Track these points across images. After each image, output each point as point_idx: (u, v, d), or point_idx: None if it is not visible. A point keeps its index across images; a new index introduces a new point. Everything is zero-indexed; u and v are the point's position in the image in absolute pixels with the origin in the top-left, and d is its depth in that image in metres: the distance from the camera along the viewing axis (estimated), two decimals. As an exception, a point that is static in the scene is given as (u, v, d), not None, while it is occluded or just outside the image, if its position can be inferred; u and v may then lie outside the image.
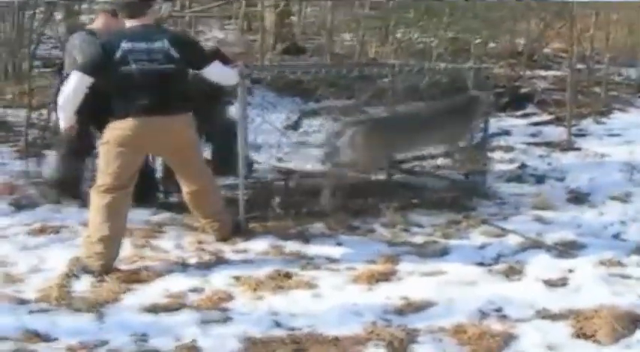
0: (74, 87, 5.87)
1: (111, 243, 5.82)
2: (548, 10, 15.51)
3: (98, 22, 7.41)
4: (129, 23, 6.06)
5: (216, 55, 7.41)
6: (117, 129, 5.87)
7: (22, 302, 5.19)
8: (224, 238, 6.51)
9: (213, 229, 6.53)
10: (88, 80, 5.86)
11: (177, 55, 5.93)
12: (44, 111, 9.72)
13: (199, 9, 14.89)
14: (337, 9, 15.26)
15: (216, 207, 6.50)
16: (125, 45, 5.84)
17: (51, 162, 7.94)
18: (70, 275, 5.63)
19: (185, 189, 6.34)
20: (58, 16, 13.02)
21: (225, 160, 7.52)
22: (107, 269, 5.74)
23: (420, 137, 7.67)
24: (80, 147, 7.13)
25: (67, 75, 6.47)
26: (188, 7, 15.54)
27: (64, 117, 6.08)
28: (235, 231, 6.60)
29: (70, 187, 7.34)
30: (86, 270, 5.73)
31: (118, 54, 5.82)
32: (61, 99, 6.00)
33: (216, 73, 6.28)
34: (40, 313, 5.03)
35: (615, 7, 14.81)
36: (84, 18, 13.29)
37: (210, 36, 16.37)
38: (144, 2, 6.20)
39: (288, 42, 16.27)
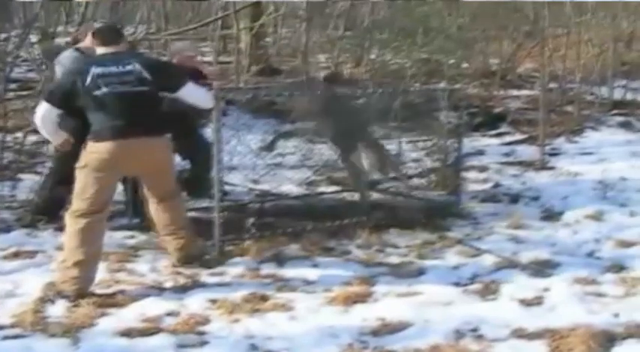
0: (42, 117, 6.00)
1: (86, 268, 5.79)
2: (520, 31, 15.63)
3: (87, 41, 7.42)
4: (100, 50, 6.12)
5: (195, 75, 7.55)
6: (94, 153, 5.88)
7: (-3, 327, 5.17)
8: (186, 258, 6.43)
9: (175, 248, 6.44)
10: (55, 111, 5.98)
11: (149, 77, 5.97)
12: (19, 134, 9.69)
13: (175, 31, 14.89)
14: (312, 31, 15.29)
15: (180, 222, 6.46)
16: (95, 70, 5.89)
17: (36, 185, 7.94)
18: (45, 300, 5.61)
19: (152, 201, 6.38)
20: (33, 38, 13.00)
21: (202, 182, 7.53)
22: (82, 293, 5.71)
23: None
24: (69, 171, 7.09)
25: None
26: (164, 29, 15.56)
27: (50, 138, 6.27)
28: (201, 258, 6.52)
29: (51, 211, 7.29)
30: (61, 295, 5.70)
31: (89, 79, 5.87)
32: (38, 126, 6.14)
33: (191, 95, 6.29)
34: (15, 339, 5.00)
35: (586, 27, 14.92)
36: (59, 40, 13.25)
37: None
38: (116, 31, 6.33)
39: (263, 63, 16.29)
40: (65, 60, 7.27)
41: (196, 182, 7.82)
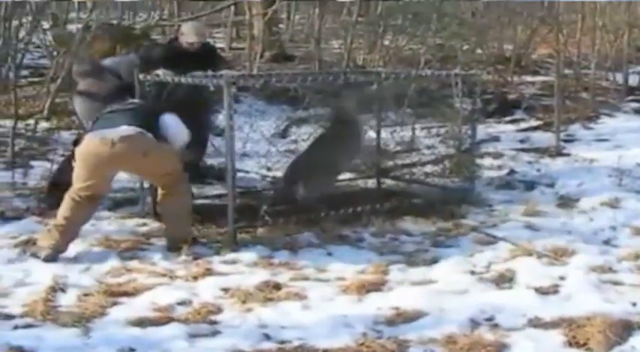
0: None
1: (63, 234, 6.26)
2: (535, 16, 15.54)
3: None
4: None
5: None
6: None
7: (7, 317, 5.11)
8: (169, 246, 6.55)
9: (164, 234, 6.70)
10: None
11: None
12: (31, 121, 9.67)
13: (188, 17, 14.86)
14: (325, 17, 15.23)
15: (173, 209, 6.60)
16: None
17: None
18: (56, 289, 5.56)
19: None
20: (45, 25, 12.99)
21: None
22: (53, 254, 6.18)
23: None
24: None
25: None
26: (177, 15, 15.53)
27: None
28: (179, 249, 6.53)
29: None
30: (36, 252, 6.21)
31: None
32: None
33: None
34: (26, 328, 4.95)
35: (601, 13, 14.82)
36: (71, 27, 13.23)
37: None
38: None
39: (277, 50, 16.25)
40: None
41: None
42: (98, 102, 7.30)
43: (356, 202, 7.41)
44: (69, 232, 6.30)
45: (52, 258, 6.15)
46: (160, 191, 6.64)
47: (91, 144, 6.30)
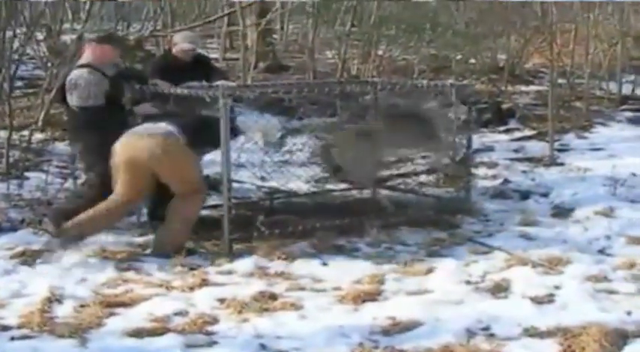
0: None
1: (87, 225, 6.60)
2: (528, 26, 15.57)
3: (89, 54, 7.24)
4: None
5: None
6: None
7: (4, 328, 5.11)
8: (160, 245, 6.68)
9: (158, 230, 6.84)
10: None
11: None
12: (25, 133, 9.64)
13: (181, 28, 14.85)
14: (319, 27, 15.25)
15: (168, 214, 6.71)
16: None
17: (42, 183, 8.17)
18: (52, 300, 5.56)
19: None
20: (39, 36, 12.96)
21: None
22: (79, 236, 6.56)
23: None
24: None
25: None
26: (170, 26, 15.53)
27: None
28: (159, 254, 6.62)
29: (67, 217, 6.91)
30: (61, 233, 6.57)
31: None
32: None
33: None
34: (22, 340, 4.94)
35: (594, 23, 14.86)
36: (65, 38, 13.21)
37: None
38: None
39: (271, 60, 16.27)
40: (81, 81, 7.10)
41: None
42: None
43: (351, 212, 7.42)
44: (93, 223, 6.64)
45: (70, 241, 6.50)
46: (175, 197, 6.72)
47: (121, 145, 6.56)
